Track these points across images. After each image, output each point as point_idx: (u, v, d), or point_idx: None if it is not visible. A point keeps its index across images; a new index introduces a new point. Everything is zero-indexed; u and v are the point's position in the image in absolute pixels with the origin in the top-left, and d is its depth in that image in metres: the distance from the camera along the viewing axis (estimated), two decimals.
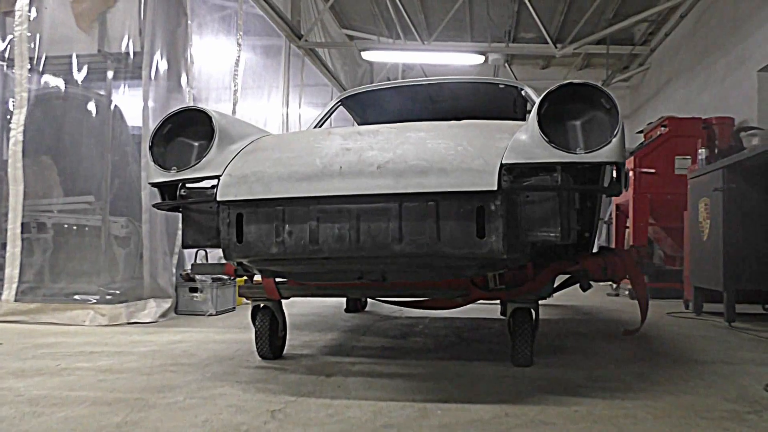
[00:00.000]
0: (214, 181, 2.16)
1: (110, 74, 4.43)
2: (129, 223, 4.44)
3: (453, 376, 2.63)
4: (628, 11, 9.39)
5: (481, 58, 8.21)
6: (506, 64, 12.01)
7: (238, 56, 5.85)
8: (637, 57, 11.43)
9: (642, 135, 8.88)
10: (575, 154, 1.95)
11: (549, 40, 8.45)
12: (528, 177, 1.98)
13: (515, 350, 2.74)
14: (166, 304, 4.49)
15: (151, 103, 4.49)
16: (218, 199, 2.04)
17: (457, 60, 8.55)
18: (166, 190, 2.31)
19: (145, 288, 4.38)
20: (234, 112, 5.77)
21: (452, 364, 2.85)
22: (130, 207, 4.44)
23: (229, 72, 5.77)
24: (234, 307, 5.11)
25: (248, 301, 5.75)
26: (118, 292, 4.28)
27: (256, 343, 2.92)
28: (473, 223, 1.90)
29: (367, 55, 8.45)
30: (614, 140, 1.95)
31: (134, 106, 4.48)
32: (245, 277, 3.05)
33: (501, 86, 4.01)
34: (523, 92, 3.92)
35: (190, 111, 2.33)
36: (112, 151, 4.40)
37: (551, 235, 1.95)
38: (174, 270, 4.73)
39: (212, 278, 4.77)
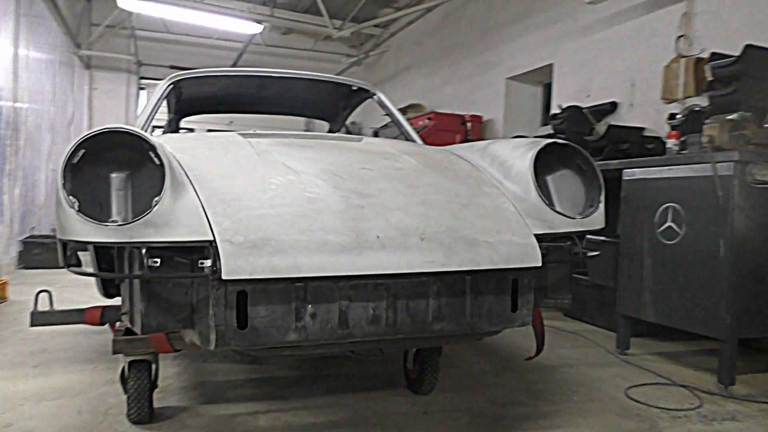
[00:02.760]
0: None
1: None
2: None
3: (372, 418, 2.51)
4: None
5: (259, 27, 7.62)
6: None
7: None
8: (373, 37, 12.01)
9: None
10: (573, 219, 1.98)
11: (325, 14, 8.28)
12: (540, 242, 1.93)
13: (424, 382, 2.73)
14: None
15: None
16: (225, 277, 1.51)
17: (233, 26, 7.77)
18: (86, 248, 1.62)
19: None
20: None
21: (356, 401, 2.70)
22: None
23: None
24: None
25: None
26: None
27: (131, 408, 2.33)
28: (509, 297, 1.79)
29: (124, 3, 7.12)
30: (601, 206, 2.03)
31: None
32: (122, 327, 2.38)
33: (354, 88, 3.82)
34: (376, 98, 3.80)
35: (112, 133, 1.66)
36: None
37: (564, 300, 1.96)
38: None
39: None
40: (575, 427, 2.48)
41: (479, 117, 7.61)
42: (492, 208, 1.91)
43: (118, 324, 2.40)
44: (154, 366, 2.39)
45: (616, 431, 2.44)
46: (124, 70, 11.65)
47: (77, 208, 1.55)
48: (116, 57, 11.02)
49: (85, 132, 1.67)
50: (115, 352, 2.28)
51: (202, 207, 1.66)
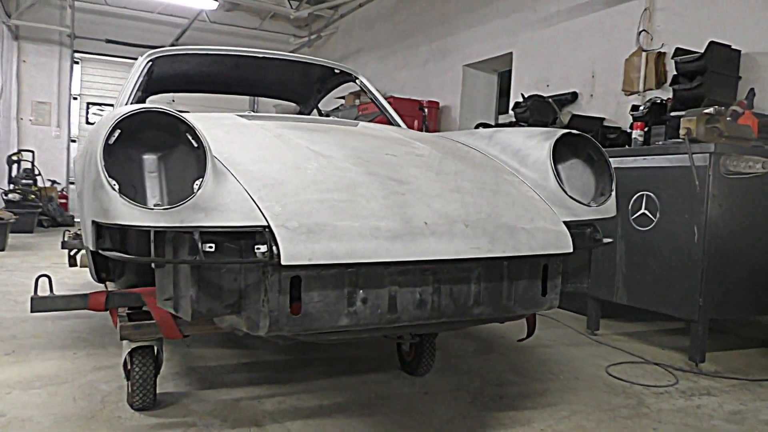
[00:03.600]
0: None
1: None
2: None
3: (376, 400, 2.54)
4: None
5: (213, 4, 7.34)
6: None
7: None
8: (321, 18, 11.86)
9: (344, 101, 9.43)
10: (590, 207, 2.05)
11: None
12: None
13: (421, 364, 2.78)
14: None
15: None
16: (285, 262, 1.47)
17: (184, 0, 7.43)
18: (127, 234, 1.55)
19: None
20: None
21: (355, 383, 2.72)
22: None
23: None
24: None
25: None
26: None
27: (135, 395, 2.26)
28: (539, 282, 1.85)
29: None
30: (613, 194, 2.12)
31: None
32: (126, 311, 2.30)
33: (336, 71, 3.79)
34: (358, 81, 3.80)
35: (148, 113, 1.59)
36: None
37: (583, 285, 2.04)
38: None
39: None
40: (569, 404, 2.59)
41: (436, 103, 7.69)
42: (519, 196, 1.97)
43: (120, 309, 2.32)
44: (158, 352, 2.33)
45: (608, 407, 2.58)
46: (57, 42, 11.04)
47: (111, 187, 1.49)
48: (48, 28, 10.41)
49: (121, 112, 1.60)
50: (122, 338, 2.20)
51: (246, 191, 1.63)
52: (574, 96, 5.61)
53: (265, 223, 1.53)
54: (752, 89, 3.75)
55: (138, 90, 3.11)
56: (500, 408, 2.51)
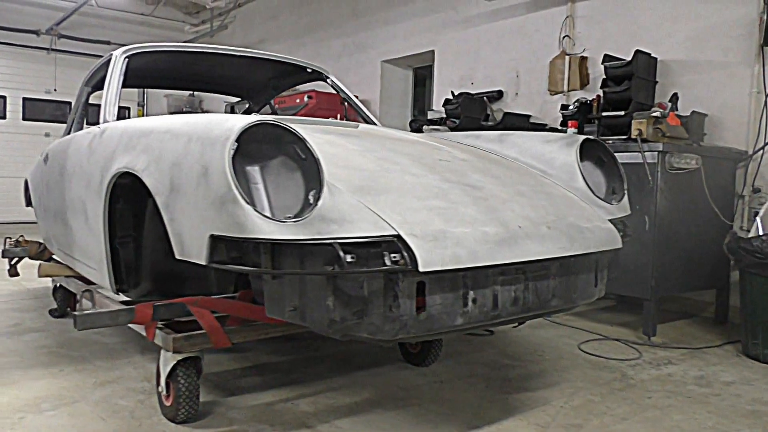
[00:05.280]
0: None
1: None
2: None
3: (401, 393, 2.66)
4: None
5: None
6: None
7: None
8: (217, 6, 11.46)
9: None
10: (612, 205, 2.31)
11: None
12: None
13: (429, 354, 2.93)
14: None
15: None
16: (422, 269, 1.52)
17: None
18: (253, 248, 1.54)
19: None
20: None
21: (369, 378, 2.82)
22: None
23: None
24: None
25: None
26: None
27: (180, 407, 2.20)
28: (593, 274, 2.06)
29: None
30: (627, 193, 2.40)
31: None
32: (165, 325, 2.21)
33: (308, 70, 3.80)
34: (329, 80, 3.84)
35: (265, 126, 1.59)
36: None
37: (613, 275, 2.28)
38: None
39: None
40: (570, 381, 2.88)
41: (356, 97, 7.78)
42: (565, 198, 2.18)
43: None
44: (201, 362, 2.29)
45: (602, 381, 2.89)
46: None
47: (246, 200, 1.50)
48: None
49: (238, 125, 1.59)
50: (175, 351, 2.14)
51: (360, 202, 1.68)
52: (500, 94, 5.98)
53: (394, 232, 1.61)
54: (675, 93, 4.27)
55: (121, 87, 2.96)
56: (516, 390, 2.73)
